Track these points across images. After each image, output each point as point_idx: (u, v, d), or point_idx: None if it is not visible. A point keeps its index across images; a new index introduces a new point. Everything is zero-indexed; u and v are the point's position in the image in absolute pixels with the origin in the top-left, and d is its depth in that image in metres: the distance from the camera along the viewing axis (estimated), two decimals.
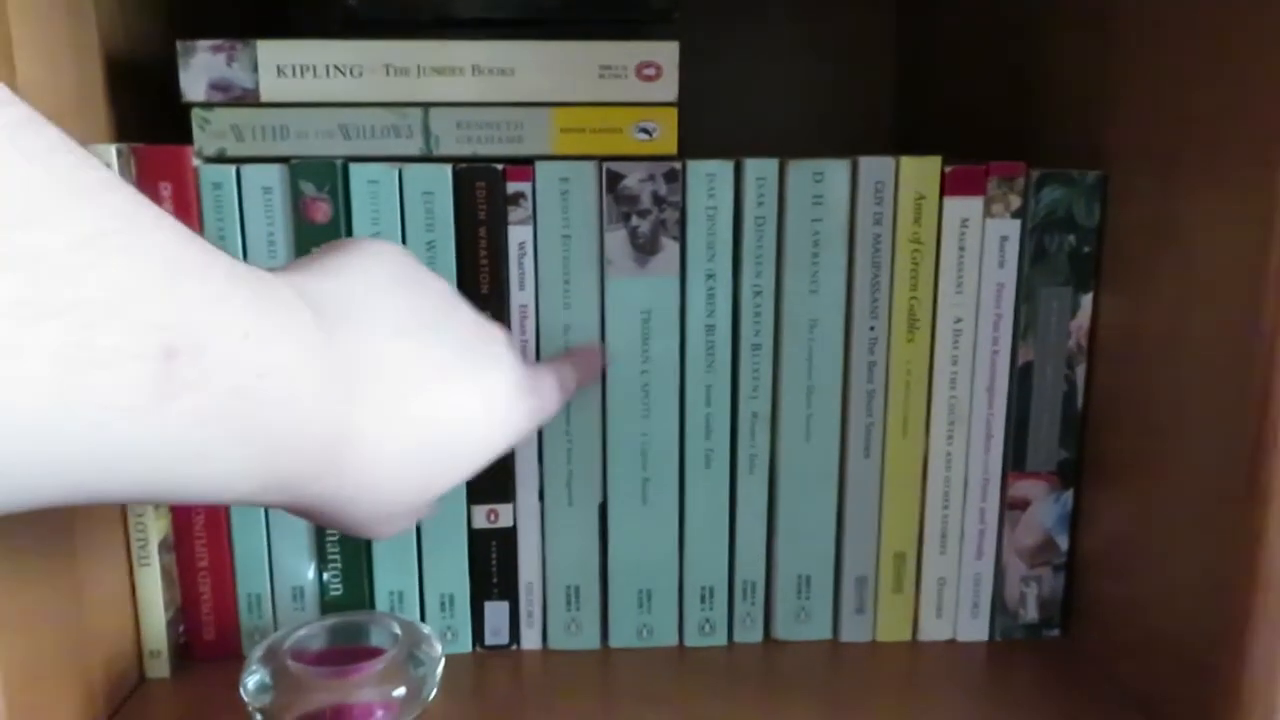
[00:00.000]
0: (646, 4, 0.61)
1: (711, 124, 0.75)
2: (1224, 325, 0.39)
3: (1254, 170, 0.37)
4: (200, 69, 0.44)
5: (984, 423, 0.49)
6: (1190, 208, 0.41)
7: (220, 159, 0.45)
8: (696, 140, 0.75)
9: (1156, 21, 0.43)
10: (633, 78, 0.45)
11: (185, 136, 0.45)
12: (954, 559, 0.50)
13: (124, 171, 0.43)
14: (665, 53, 0.45)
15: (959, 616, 0.51)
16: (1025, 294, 0.47)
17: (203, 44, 0.44)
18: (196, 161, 0.45)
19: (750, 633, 0.51)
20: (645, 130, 0.46)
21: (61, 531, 0.41)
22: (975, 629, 0.51)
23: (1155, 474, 0.44)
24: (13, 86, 0.37)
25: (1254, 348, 0.37)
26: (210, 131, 0.45)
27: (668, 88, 0.45)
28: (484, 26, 0.60)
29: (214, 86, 0.44)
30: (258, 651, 0.42)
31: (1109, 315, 0.47)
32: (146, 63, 0.50)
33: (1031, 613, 0.51)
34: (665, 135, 0.46)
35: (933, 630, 0.51)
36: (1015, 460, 0.49)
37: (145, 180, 0.44)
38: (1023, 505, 0.49)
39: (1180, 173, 0.42)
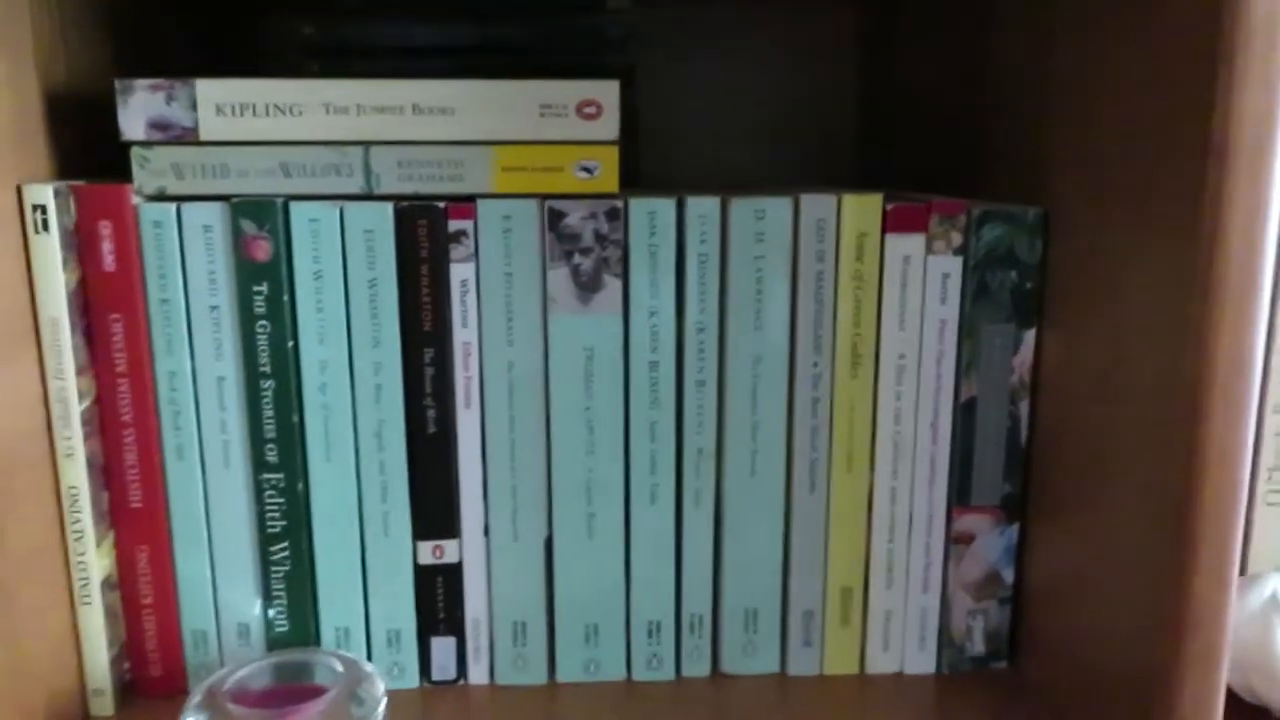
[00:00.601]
0: (602, 33, 0.62)
1: (666, 151, 0.75)
2: (1155, 364, 0.39)
3: (1180, 213, 0.37)
4: (139, 107, 0.44)
5: (928, 457, 0.49)
6: (1123, 247, 0.41)
7: (160, 197, 0.45)
8: (654, 164, 0.75)
9: (1094, 61, 0.43)
10: (573, 116, 0.45)
11: (129, 173, 0.45)
12: (900, 592, 0.50)
13: (63, 210, 0.43)
14: (605, 91, 0.45)
15: (906, 649, 0.51)
16: (968, 330, 0.47)
17: (141, 83, 0.44)
18: (136, 200, 0.45)
19: (698, 666, 0.51)
20: (586, 169, 0.46)
21: None
22: (923, 662, 0.51)
23: (1096, 509, 0.44)
24: None
25: (1181, 386, 0.37)
26: (150, 170, 0.45)
27: (608, 126, 0.45)
28: (442, 55, 0.61)
29: (153, 125, 0.44)
30: (196, 695, 0.42)
31: (1051, 351, 0.47)
32: (89, 98, 0.49)
33: (978, 645, 0.51)
34: (606, 173, 0.46)
35: (880, 663, 0.51)
36: (960, 495, 0.49)
37: (85, 219, 0.44)
38: (968, 539, 0.50)
39: (1114, 212, 0.42)
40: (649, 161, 0.75)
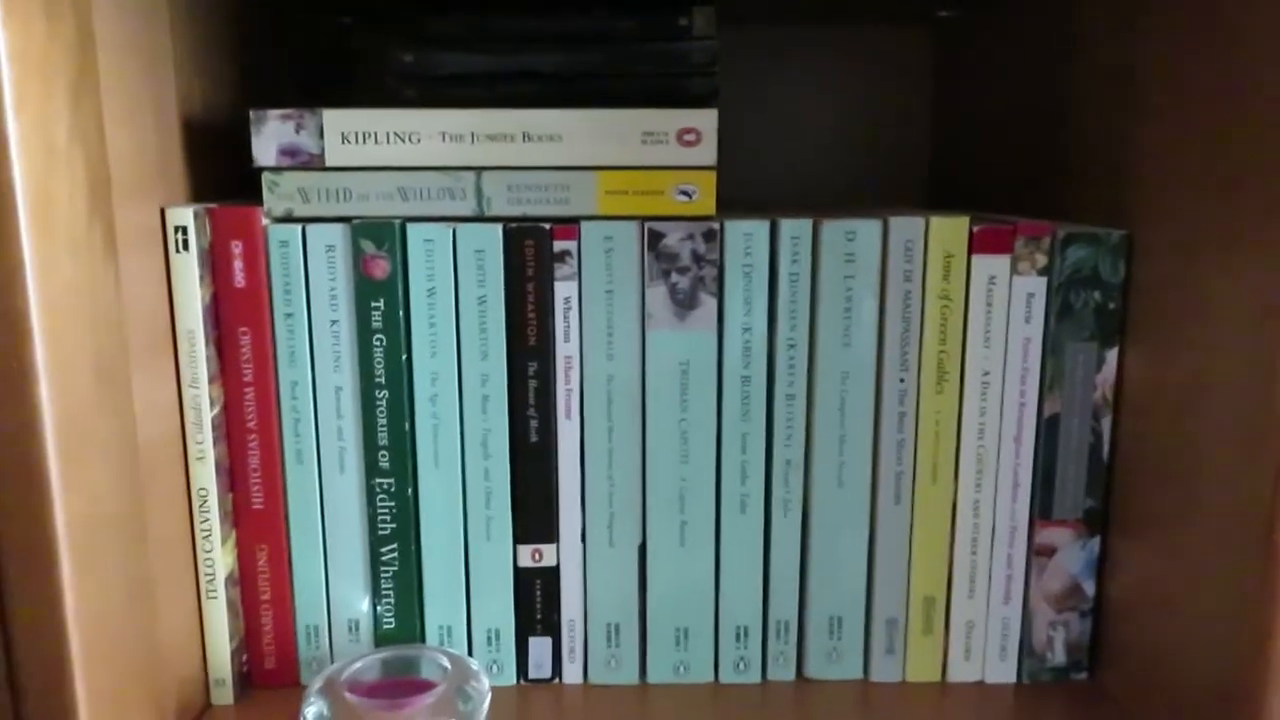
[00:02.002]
0: (688, 58, 0.64)
1: (749, 170, 0.78)
2: (1243, 381, 0.40)
3: (1270, 229, 0.38)
4: (270, 136, 0.47)
5: (1011, 471, 0.50)
6: (1210, 269, 0.42)
7: (288, 219, 0.48)
8: (730, 185, 0.77)
9: (1179, 83, 0.45)
10: (674, 143, 0.47)
11: (253, 196, 0.48)
12: (982, 603, 0.52)
13: (200, 231, 0.47)
14: (704, 120, 0.47)
15: (987, 659, 0.52)
16: (1052, 348, 0.49)
17: (273, 113, 0.47)
18: (265, 221, 0.48)
19: (783, 671, 0.53)
20: (685, 192, 0.48)
21: (140, 568, 0.44)
22: (1003, 671, 0.52)
23: (1179, 525, 0.45)
24: (103, 156, 0.41)
25: (1271, 404, 0.38)
26: (279, 194, 0.48)
27: (707, 152, 0.48)
28: (532, 80, 0.63)
29: (283, 152, 0.48)
30: (316, 683, 0.45)
31: (1134, 369, 0.48)
32: (218, 126, 0.53)
33: (1059, 656, 0.52)
34: (704, 197, 0.48)
35: (962, 672, 0.52)
36: (1042, 508, 0.50)
37: (219, 239, 0.47)
38: (1049, 552, 0.51)
39: (1200, 231, 0.43)
40: (725, 180, 0.77)
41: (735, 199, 0.78)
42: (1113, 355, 0.49)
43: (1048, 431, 0.50)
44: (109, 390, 0.41)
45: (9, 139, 0.35)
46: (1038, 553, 0.51)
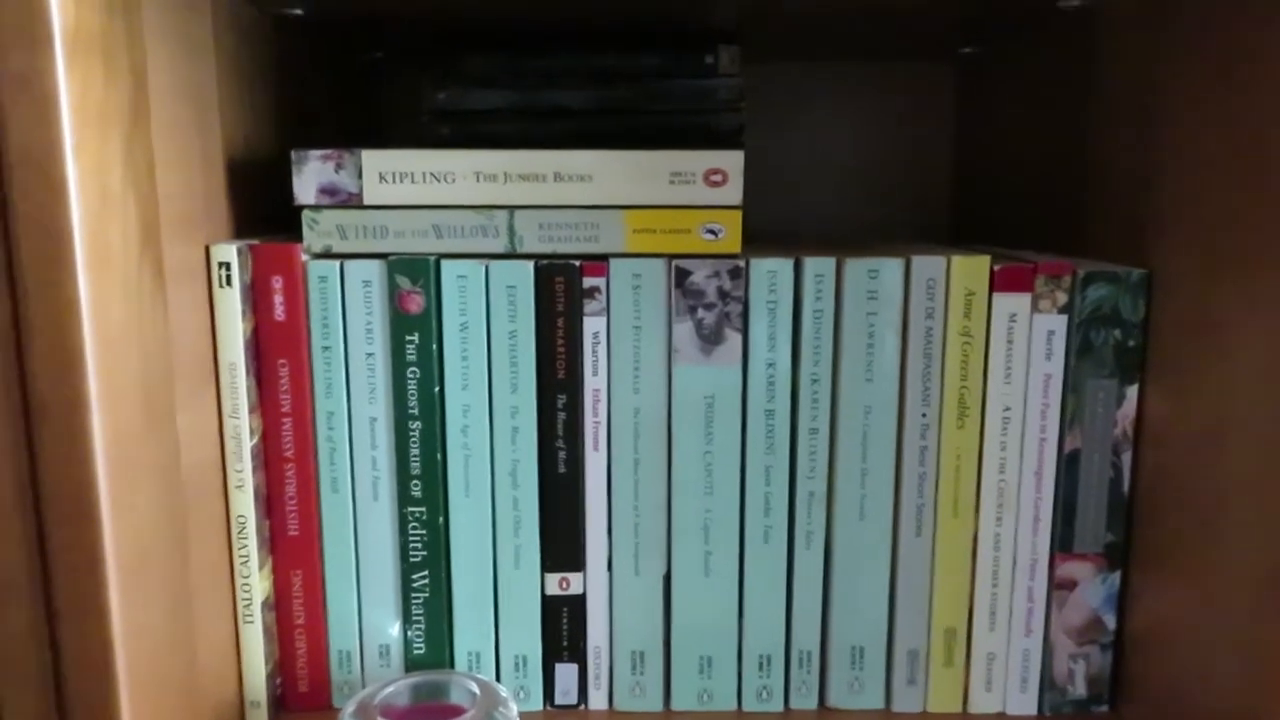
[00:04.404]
0: (715, 95, 0.66)
1: (774, 204, 0.79)
2: (1262, 417, 0.41)
3: None
4: (311, 175, 0.49)
5: (1032, 506, 0.51)
6: (1230, 308, 0.43)
7: (326, 255, 0.50)
8: (753, 218, 0.78)
9: (1198, 122, 0.46)
10: (700, 183, 0.49)
11: (293, 232, 0.50)
12: (1003, 635, 0.52)
13: (242, 267, 0.48)
14: (731, 161, 0.49)
15: (1008, 690, 0.53)
16: (1072, 385, 0.50)
17: (314, 153, 0.49)
18: (305, 257, 0.50)
19: (805, 700, 0.53)
20: (712, 231, 0.49)
21: (182, 591, 0.45)
22: (1024, 703, 0.53)
23: (1200, 559, 0.46)
24: (153, 198, 0.42)
25: None
26: (318, 231, 0.50)
27: (733, 192, 0.49)
28: (562, 117, 0.65)
29: (322, 190, 0.49)
30: (350, 707, 0.46)
31: (1154, 406, 0.49)
32: (261, 166, 0.55)
33: (1080, 689, 0.52)
34: (730, 235, 0.49)
35: (983, 703, 0.53)
36: (1063, 542, 0.51)
37: (259, 274, 0.49)
38: (1070, 585, 0.51)
39: (1220, 275, 0.44)
40: (752, 213, 0.79)
41: (761, 232, 0.79)
42: (1133, 392, 0.50)
43: (1068, 466, 0.50)
44: (155, 420, 0.42)
45: (69, 182, 0.37)
46: (1058, 586, 0.51)
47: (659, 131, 0.63)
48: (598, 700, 0.54)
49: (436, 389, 0.50)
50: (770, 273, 0.49)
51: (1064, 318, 0.49)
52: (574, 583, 0.52)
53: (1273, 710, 0.40)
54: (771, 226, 0.79)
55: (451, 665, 0.53)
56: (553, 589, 0.52)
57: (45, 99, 0.36)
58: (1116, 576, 0.51)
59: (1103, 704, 0.53)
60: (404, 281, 0.49)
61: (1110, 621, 0.52)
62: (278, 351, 0.50)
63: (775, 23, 0.64)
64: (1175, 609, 0.47)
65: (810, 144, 0.79)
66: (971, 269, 0.49)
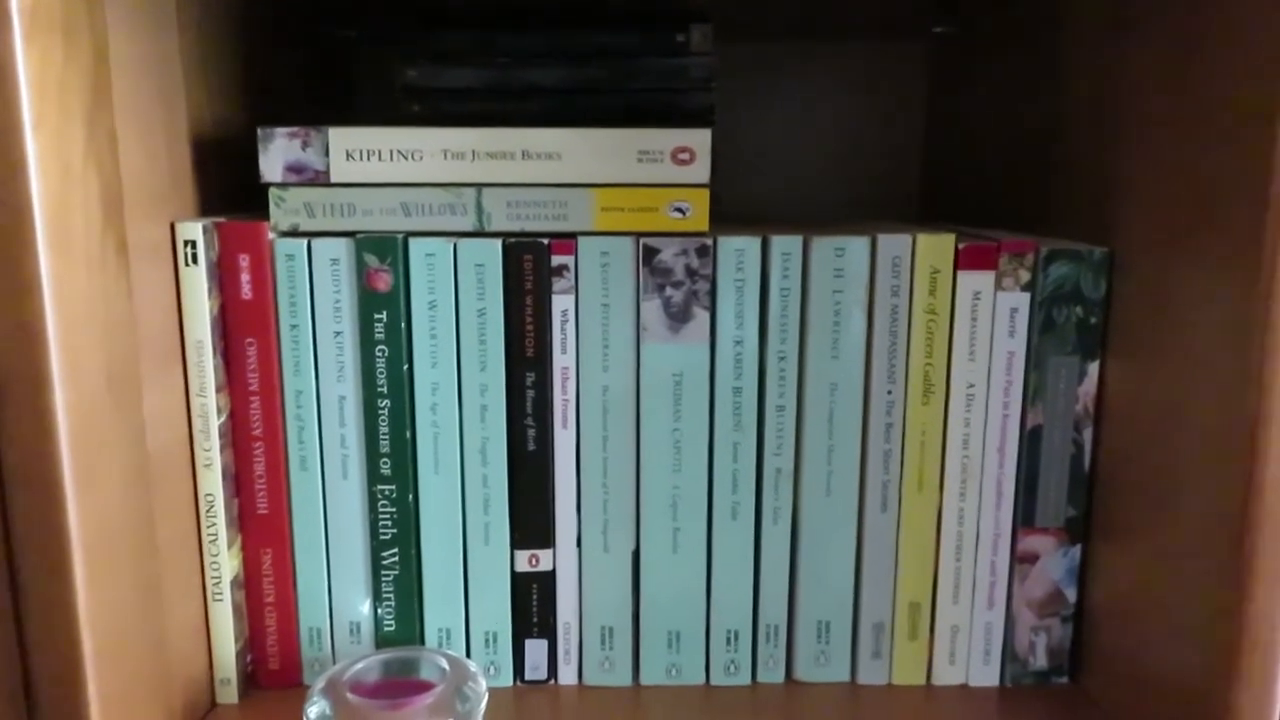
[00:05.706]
0: (686, 74, 0.66)
1: (744, 182, 0.79)
2: (1218, 393, 0.42)
3: (1245, 249, 0.40)
4: (278, 153, 0.49)
5: (995, 481, 0.52)
6: (1187, 286, 0.44)
7: (293, 233, 0.50)
8: (729, 189, 0.79)
9: (1158, 105, 0.46)
10: (668, 162, 0.49)
11: (260, 210, 0.50)
12: (966, 608, 0.53)
13: (209, 245, 0.48)
14: (698, 139, 0.49)
15: (971, 663, 0.54)
16: (1035, 362, 0.50)
17: (280, 130, 0.49)
18: (272, 235, 0.49)
19: (773, 674, 0.54)
20: (679, 209, 0.49)
21: (150, 570, 0.45)
22: (987, 675, 0.54)
23: (1157, 532, 0.46)
24: (116, 174, 0.42)
25: (1244, 417, 0.40)
26: (285, 209, 0.50)
27: (700, 171, 0.49)
28: (532, 95, 0.65)
29: (289, 168, 0.49)
30: (319, 683, 0.46)
31: (1115, 382, 0.50)
32: (228, 143, 0.54)
33: (1041, 660, 0.53)
34: (698, 213, 0.50)
35: (946, 675, 0.54)
36: (1025, 516, 0.52)
37: (226, 252, 0.49)
38: (1032, 559, 0.52)
39: (1178, 254, 0.45)
40: (721, 191, 0.79)
41: (731, 211, 0.79)
42: (1094, 369, 0.50)
43: (1030, 442, 0.51)
44: (120, 398, 0.42)
45: (28, 159, 0.36)
46: (1020, 560, 0.52)
47: (631, 110, 0.63)
48: (568, 675, 0.54)
49: (405, 367, 0.50)
50: (738, 251, 0.49)
51: (1027, 295, 0.50)
52: (543, 559, 0.53)
53: (1229, 680, 0.41)
54: (743, 205, 0.80)
55: (422, 642, 0.54)
56: (522, 566, 0.53)
57: (3, 75, 0.35)
58: (1077, 550, 0.52)
59: (1063, 675, 0.54)
60: (372, 260, 0.49)
61: (1071, 595, 0.53)
62: (245, 330, 0.50)
63: (747, 1, 0.64)
64: (1134, 582, 0.48)
65: (781, 122, 0.79)
66: (936, 247, 0.49)
